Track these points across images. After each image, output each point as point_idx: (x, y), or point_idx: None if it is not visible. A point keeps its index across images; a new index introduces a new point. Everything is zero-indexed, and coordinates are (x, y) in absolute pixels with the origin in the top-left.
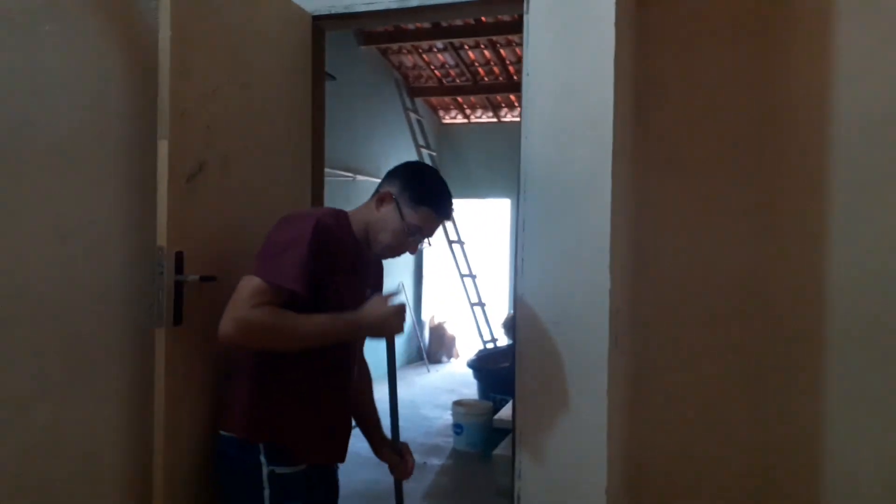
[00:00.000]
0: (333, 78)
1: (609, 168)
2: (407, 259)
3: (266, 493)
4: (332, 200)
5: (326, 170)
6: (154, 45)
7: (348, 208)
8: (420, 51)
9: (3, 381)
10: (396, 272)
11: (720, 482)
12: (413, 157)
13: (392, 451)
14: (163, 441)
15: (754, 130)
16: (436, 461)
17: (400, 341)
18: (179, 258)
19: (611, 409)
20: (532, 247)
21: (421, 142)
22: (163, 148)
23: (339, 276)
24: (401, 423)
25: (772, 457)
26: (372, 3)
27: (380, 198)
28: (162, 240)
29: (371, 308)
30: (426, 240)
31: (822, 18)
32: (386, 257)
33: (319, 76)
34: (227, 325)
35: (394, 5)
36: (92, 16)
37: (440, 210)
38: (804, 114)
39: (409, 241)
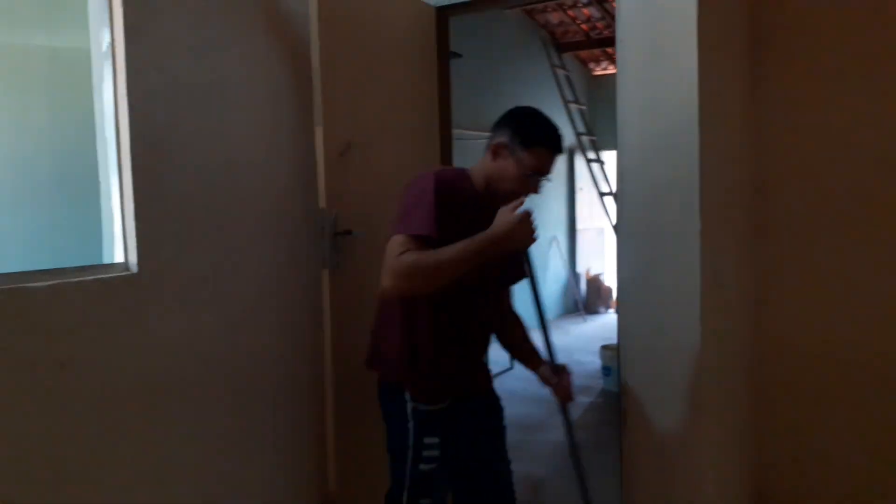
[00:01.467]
0: (459, 56)
1: (696, 120)
2: (559, 213)
3: (410, 425)
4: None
5: (473, 132)
6: (307, 52)
7: None
8: (565, 7)
9: (215, 307)
10: (549, 226)
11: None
12: (561, 112)
13: (549, 371)
14: (331, 352)
15: None
16: (585, 399)
17: (556, 293)
18: (336, 217)
19: (705, 335)
20: (628, 194)
21: (569, 97)
22: (318, 133)
23: (463, 226)
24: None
25: None
26: None
27: (494, 150)
28: (322, 203)
29: (498, 221)
30: (547, 176)
31: None
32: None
33: (444, 56)
34: (385, 279)
35: None
36: (265, 36)
37: (551, 145)
38: None
39: (531, 182)
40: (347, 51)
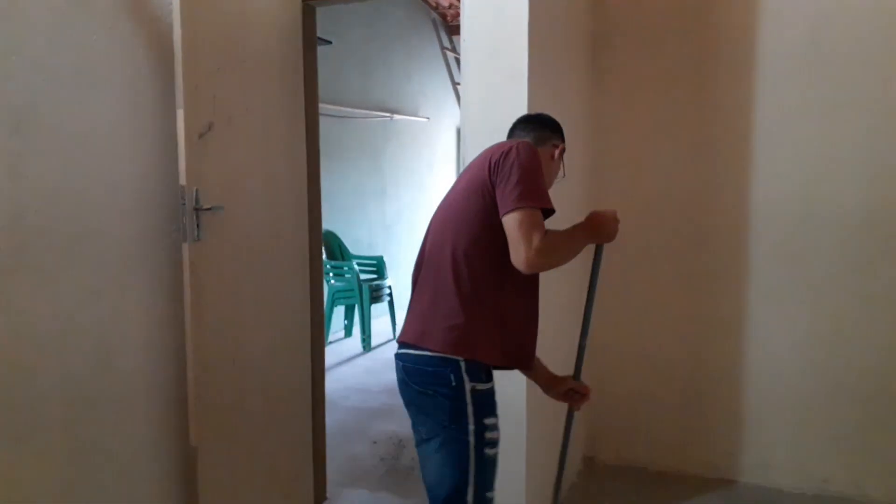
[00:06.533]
0: (329, 42)
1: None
2: None
3: (469, 409)
4: (371, 140)
5: (364, 111)
6: (170, 38)
7: (387, 146)
8: None
9: (76, 275)
10: None
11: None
12: (450, 94)
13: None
14: (191, 319)
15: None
16: None
17: None
18: (196, 193)
19: None
20: None
21: (458, 80)
22: (180, 115)
23: None
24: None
25: (702, 346)
26: None
27: (560, 153)
28: (182, 180)
29: (593, 215)
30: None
31: None
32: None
33: (310, 44)
34: (532, 256)
35: None
36: (125, 23)
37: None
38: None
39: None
40: (209, 40)
